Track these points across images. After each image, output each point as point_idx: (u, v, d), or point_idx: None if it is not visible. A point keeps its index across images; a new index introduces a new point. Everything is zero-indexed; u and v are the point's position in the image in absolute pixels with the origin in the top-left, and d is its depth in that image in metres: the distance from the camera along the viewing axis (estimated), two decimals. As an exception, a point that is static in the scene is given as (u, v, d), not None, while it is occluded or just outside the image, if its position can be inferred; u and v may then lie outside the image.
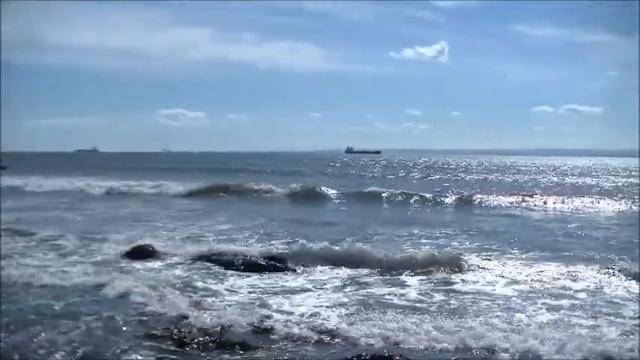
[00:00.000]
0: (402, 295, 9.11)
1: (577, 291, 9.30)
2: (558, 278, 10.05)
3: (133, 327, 7.20)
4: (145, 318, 7.57)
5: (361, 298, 8.87)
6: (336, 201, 25.82)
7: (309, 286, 9.67)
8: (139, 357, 6.25)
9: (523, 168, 77.31)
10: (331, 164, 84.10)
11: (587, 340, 6.66)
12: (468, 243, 13.89)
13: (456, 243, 13.92)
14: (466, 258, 11.32)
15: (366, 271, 10.70)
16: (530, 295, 9.04)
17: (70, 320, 7.35)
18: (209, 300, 8.57)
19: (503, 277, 10.22)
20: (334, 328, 7.24)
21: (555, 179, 48.83)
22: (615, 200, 25.39)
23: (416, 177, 50.37)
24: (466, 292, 9.26)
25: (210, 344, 6.64)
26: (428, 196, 26.33)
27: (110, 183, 32.09)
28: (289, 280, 10.03)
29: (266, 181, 32.97)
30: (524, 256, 12.19)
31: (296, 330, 7.17)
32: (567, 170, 72.10)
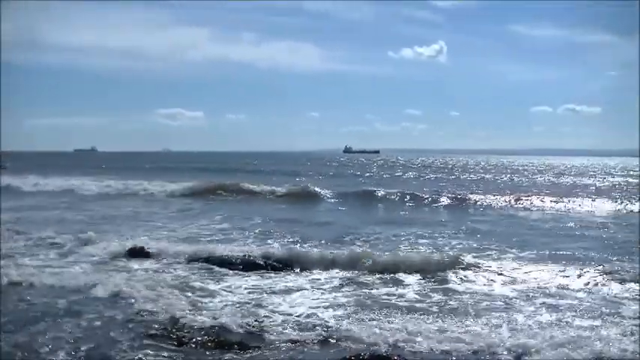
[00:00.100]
0: (401, 295, 9.15)
1: (576, 291, 9.36)
2: (556, 278, 10.09)
3: (133, 326, 7.23)
4: (143, 317, 7.60)
5: (359, 298, 8.90)
6: (333, 200, 25.82)
7: (307, 286, 9.70)
8: (140, 356, 6.28)
9: (521, 168, 77.33)
10: (328, 163, 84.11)
11: (587, 340, 6.70)
12: (465, 243, 13.91)
13: (453, 243, 13.94)
14: (464, 258, 11.36)
15: (364, 271, 10.71)
16: (528, 294, 9.08)
17: (71, 320, 7.38)
18: (207, 300, 8.60)
19: (501, 277, 10.25)
20: (332, 328, 7.27)
21: (553, 179, 48.85)
22: (613, 200, 25.45)
23: (413, 177, 50.37)
24: (464, 292, 9.30)
25: (209, 343, 6.68)
26: (425, 195, 26.36)
27: (108, 183, 32.12)
28: (287, 280, 10.05)
29: (264, 181, 33.05)
30: (521, 255, 12.24)
31: (294, 330, 7.21)
32: (565, 170, 72.15)
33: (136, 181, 32.18)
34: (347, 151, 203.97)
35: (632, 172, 63.32)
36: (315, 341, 6.87)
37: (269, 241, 13.77)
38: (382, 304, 8.53)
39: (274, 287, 9.56)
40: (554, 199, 25.62)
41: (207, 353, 6.48)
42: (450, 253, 12.20)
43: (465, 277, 10.27)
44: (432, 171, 63.73)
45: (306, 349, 6.65)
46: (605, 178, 50.34)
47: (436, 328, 7.25)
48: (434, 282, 9.97)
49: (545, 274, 10.34)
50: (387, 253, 11.72)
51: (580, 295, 9.14)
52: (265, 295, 9.04)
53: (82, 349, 6.42)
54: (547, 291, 9.35)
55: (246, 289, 9.44)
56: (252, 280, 10.07)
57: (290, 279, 10.19)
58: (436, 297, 9.03)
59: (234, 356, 6.42)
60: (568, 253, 12.64)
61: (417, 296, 9.09)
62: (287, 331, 7.20)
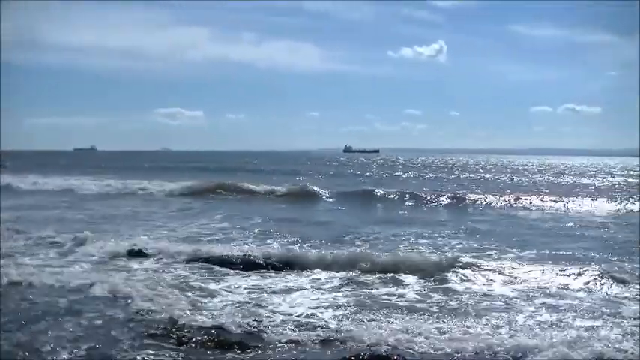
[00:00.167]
0: (400, 295, 9.15)
1: (575, 290, 9.38)
2: (556, 278, 10.09)
3: (133, 326, 7.22)
4: (143, 317, 7.59)
5: (359, 298, 8.90)
6: (332, 200, 25.82)
7: (307, 285, 9.70)
8: (141, 355, 6.29)
9: (521, 168, 77.36)
10: (328, 163, 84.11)
11: (587, 340, 6.71)
12: (465, 242, 13.91)
13: (453, 242, 13.95)
14: (464, 258, 11.36)
15: (364, 271, 10.71)
16: (528, 294, 9.09)
17: (71, 319, 7.38)
18: (207, 299, 8.60)
19: (501, 277, 10.25)
20: (332, 327, 7.28)
21: (553, 179, 48.86)
22: (612, 200, 25.47)
23: (413, 176, 50.36)
24: (464, 292, 9.30)
25: (209, 343, 6.68)
26: (424, 195, 26.37)
27: (108, 182, 32.13)
28: (287, 280, 10.05)
29: (264, 180, 33.09)
30: (521, 255, 12.24)
31: (294, 330, 7.21)
32: (565, 170, 72.17)
33: (135, 181, 32.18)
34: (347, 150, 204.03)
35: (632, 172, 63.34)
36: (315, 341, 6.86)
37: (269, 241, 13.78)
38: (382, 304, 8.53)
39: (274, 287, 9.55)
40: (554, 198, 25.64)
41: (207, 353, 6.47)
42: (450, 253, 12.19)
43: (464, 276, 10.27)
44: (431, 171, 63.73)
45: (306, 349, 6.64)
46: (604, 178, 50.37)
47: (436, 328, 7.26)
48: (434, 282, 9.97)
49: (545, 274, 10.33)
50: (386, 253, 11.71)
51: (580, 294, 9.15)
52: (265, 294, 9.04)
53: (83, 347, 6.42)
54: (547, 291, 9.36)
55: (245, 288, 9.43)
56: (252, 279, 10.07)
57: (290, 279, 10.18)
58: (436, 297, 9.03)
59: (235, 356, 6.42)
60: (568, 252, 12.64)
61: (417, 296, 9.09)
62: (287, 331, 7.19)
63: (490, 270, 10.70)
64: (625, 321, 7.69)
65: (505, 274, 10.39)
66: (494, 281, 10.01)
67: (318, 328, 7.27)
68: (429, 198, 25.70)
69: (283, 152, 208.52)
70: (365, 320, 7.61)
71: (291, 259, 11.36)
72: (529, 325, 7.45)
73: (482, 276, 10.31)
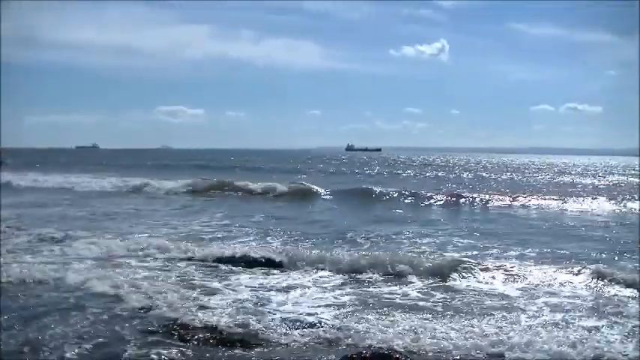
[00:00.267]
0: (402, 294, 9.15)
1: (577, 290, 9.38)
2: (558, 277, 10.08)
3: (135, 323, 7.24)
4: (145, 314, 7.60)
5: (361, 296, 8.91)
6: (334, 198, 25.85)
7: (309, 284, 9.70)
8: (145, 351, 6.29)
9: (521, 166, 77.33)
10: (328, 161, 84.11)
11: (588, 340, 6.73)
12: (466, 241, 13.91)
13: (454, 241, 13.96)
14: (465, 256, 11.36)
15: (365, 269, 10.69)
16: (530, 293, 9.10)
17: (74, 316, 7.38)
18: (208, 297, 8.60)
19: (502, 275, 10.25)
20: (334, 326, 7.28)
21: (554, 178, 48.84)
22: (614, 199, 25.44)
23: (414, 175, 50.37)
24: (466, 291, 9.30)
25: (211, 340, 6.70)
26: (425, 193, 26.35)
27: (109, 180, 32.16)
28: (289, 278, 10.05)
29: (265, 178, 33.11)
30: (523, 254, 12.24)
31: (295, 328, 7.22)
32: (566, 169, 72.13)
33: (136, 178, 32.19)
34: (349, 148, 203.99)
35: (633, 172, 63.30)
36: (318, 339, 6.87)
37: (270, 239, 13.78)
38: (384, 303, 8.53)
39: (276, 285, 9.56)
40: (555, 197, 25.61)
41: (210, 350, 6.48)
42: (452, 251, 12.19)
43: (466, 275, 10.27)
44: (432, 169, 63.73)
45: (307, 348, 6.65)
46: (605, 177, 50.33)
47: (438, 326, 7.26)
48: (435, 280, 9.97)
49: (546, 273, 10.32)
50: (388, 252, 11.70)
51: (581, 294, 9.15)
52: (267, 293, 9.04)
53: (86, 347, 6.42)
54: (548, 290, 9.36)
55: (247, 286, 9.44)
56: (254, 277, 10.08)
57: (292, 277, 10.18)
58: (438, 295, 9.03)
59: (237, 354, 6.42)
60: (569, 252, 12.62)
61: (418, 295, 9.09)
62: (289, 329, 7.20)
63: (492, 269, 10.69)
64: (625, 321, 7.69)
65: (507, 273, 10.38)
66: (495, 280, 10.01)
67: (320, 327, 7.27)
68: (430, 196, 25.68)
69: (283, 150, 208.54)
70: (367, 319, 7.60)
71: (293, 257, 11.34)
72: (531, 324, 7.44)
73: (483, 275, 10.31)
